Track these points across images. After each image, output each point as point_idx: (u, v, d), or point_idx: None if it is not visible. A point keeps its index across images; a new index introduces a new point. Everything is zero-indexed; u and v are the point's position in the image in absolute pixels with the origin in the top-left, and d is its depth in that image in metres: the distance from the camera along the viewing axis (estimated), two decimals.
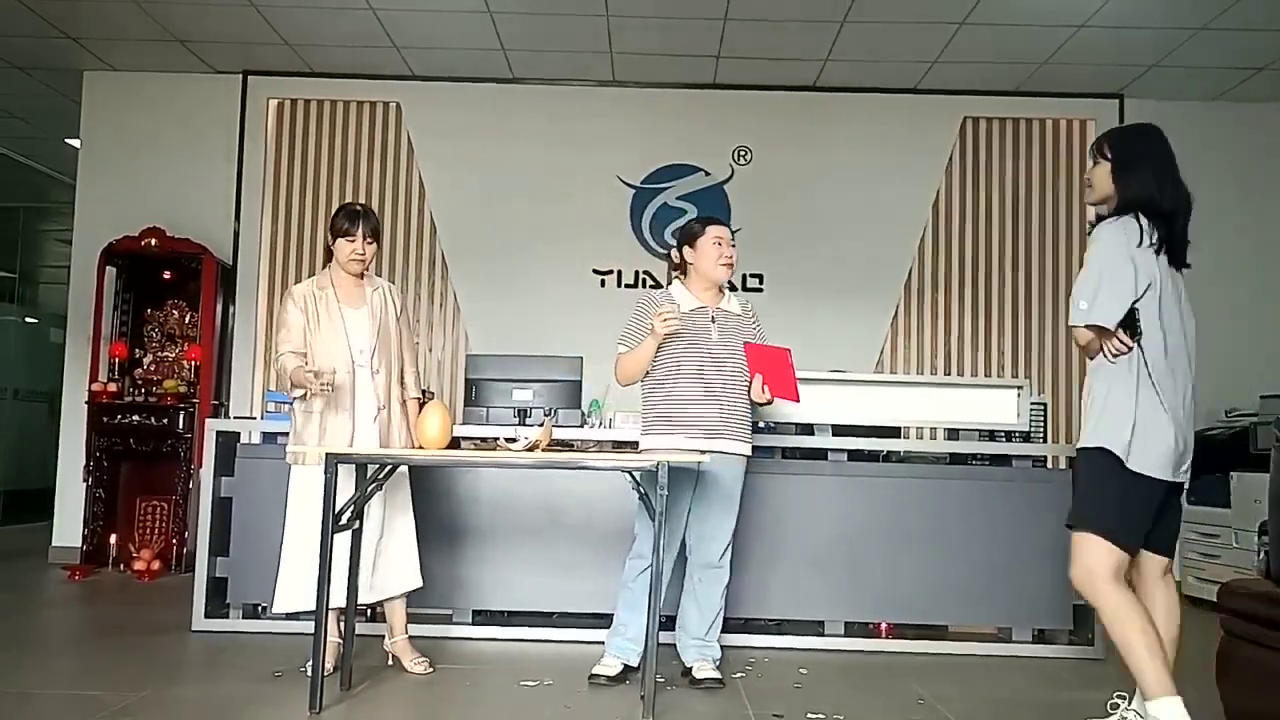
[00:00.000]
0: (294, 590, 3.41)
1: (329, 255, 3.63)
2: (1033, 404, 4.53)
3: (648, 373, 3.56)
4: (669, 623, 3.62)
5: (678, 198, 6.34)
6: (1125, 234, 2.77)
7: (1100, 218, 2.89)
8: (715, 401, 3.48)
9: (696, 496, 3.55)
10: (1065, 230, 6.29)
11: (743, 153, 6.34)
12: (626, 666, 3.55)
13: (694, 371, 3.49)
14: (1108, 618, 2.77)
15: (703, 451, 3.34)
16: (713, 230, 3.59)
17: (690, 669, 3.55)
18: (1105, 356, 2.77)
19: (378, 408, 3.54)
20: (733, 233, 3.71)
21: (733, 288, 6.15)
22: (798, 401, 3.52)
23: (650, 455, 3.30)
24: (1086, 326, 2.73)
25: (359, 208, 3.63)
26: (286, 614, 3.59)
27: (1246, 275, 6.23)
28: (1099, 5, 5.11)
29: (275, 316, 3.63)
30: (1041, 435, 4.72)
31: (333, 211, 3.72)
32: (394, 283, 6.20)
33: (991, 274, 6.28)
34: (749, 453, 3.61)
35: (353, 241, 3.54)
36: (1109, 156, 2.92)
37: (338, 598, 3.32)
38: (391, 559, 3.58)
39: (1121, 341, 2.72)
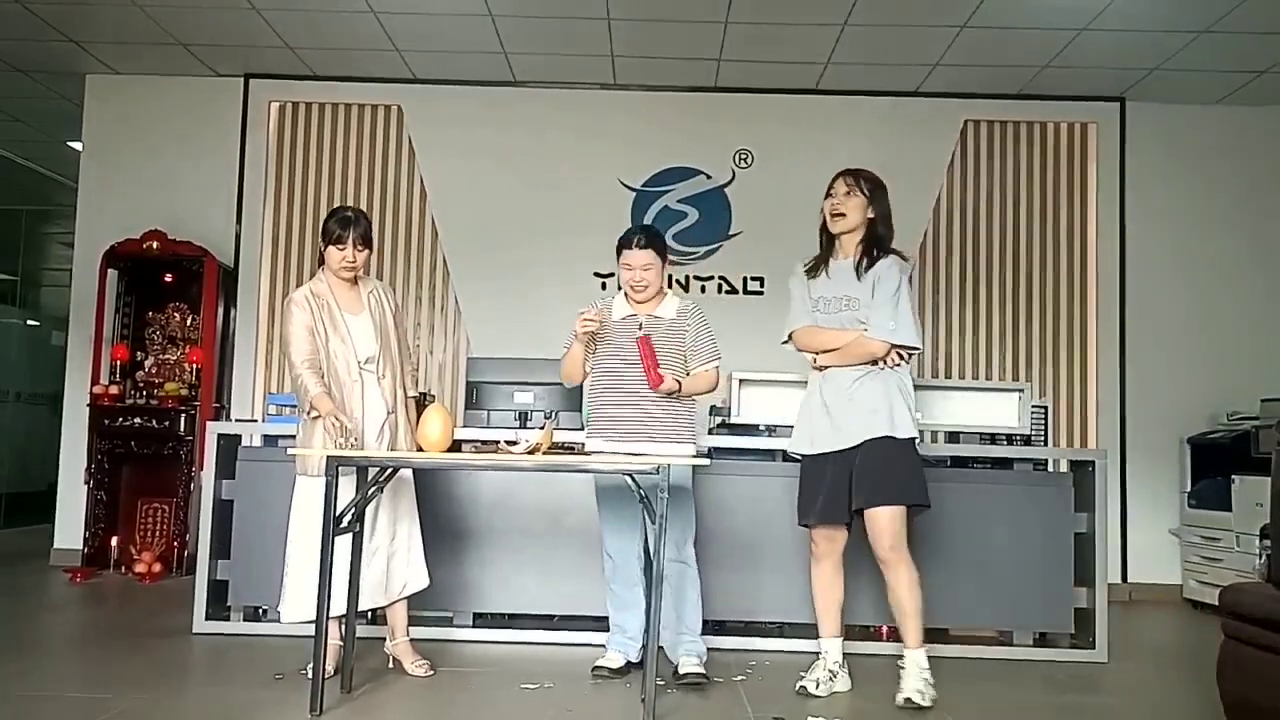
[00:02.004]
0: (302, 600, 3.37)
1: (322, 259, 3.58)
2: (1034, 407, 4.53)
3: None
4: None
5: (679, 200, 6.34)
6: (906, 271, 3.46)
7: (882, 250, 3.45)
8: (636, 404, 3.56)
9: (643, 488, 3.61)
10: (1066, 233, 6.28)
11: (744, 156, 6.35)
12: (629, 662, 3.62)
13: (615, 377, 3.61)
14: (912, 580, 3.40)
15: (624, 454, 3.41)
16: (622, 255, 3.67)
17: (676, 666, 3.59)
18: (887, 364, 3.39)
19: (386, 412, 3.53)
20: (656, 246, 3.67)
21: (733, 290, 6.23)
22: (652, 387, 3.49)
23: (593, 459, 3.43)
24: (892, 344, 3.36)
25: (349, 213, 3.56)
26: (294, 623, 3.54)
27: (1248, 278, 6.23)
28: (1101, 8, 5.10)
29: (280, 325, 3.58)
30: (1043, 438, 4.72)
31: (326, 219, 3.62)
32: (395, 286, 6.26)
33: (992, 277, 6.28)
34: (685, 453, 3.59)
35: (343, 249, 3.48)
36: (865, 192, 3.48)
37: (343, 604, 3.32)
38: (400, 560, 3.57)
39: (901, 355, 3.40)
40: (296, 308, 3.49)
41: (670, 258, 6.10)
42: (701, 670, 3.55)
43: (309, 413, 3.43)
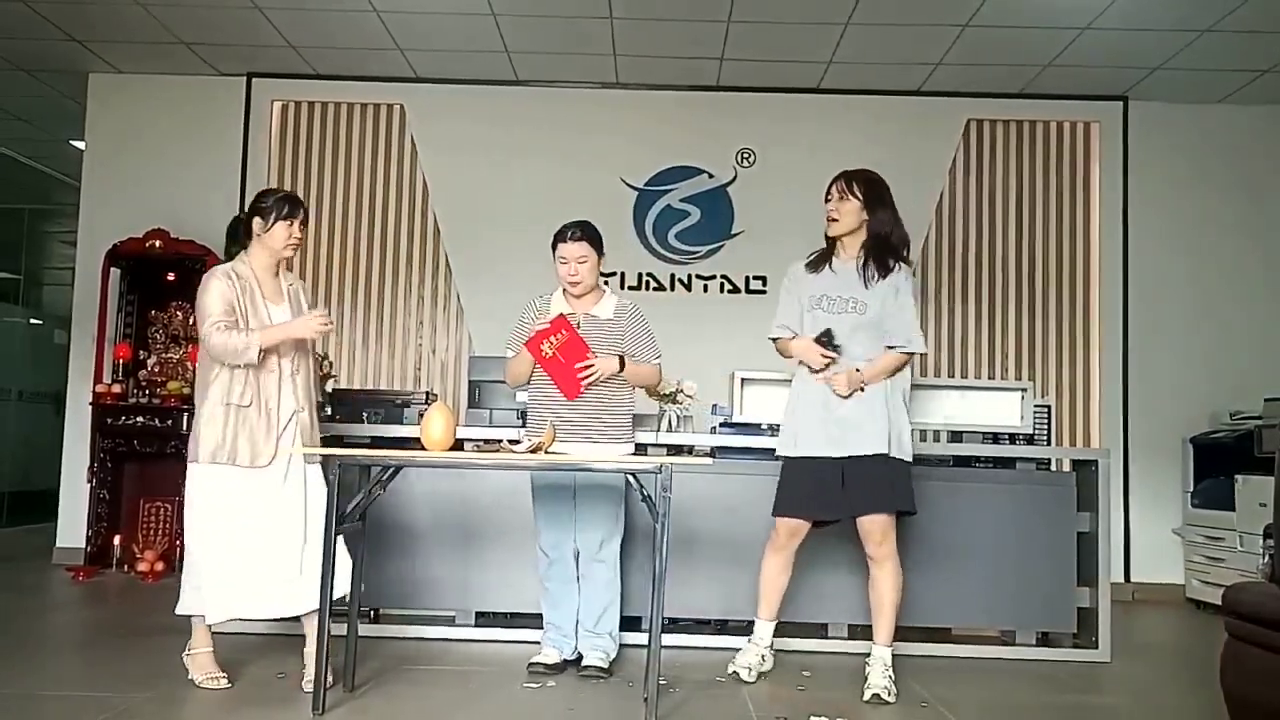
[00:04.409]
0: (228, 597, 3.29)
1: (242, 242, 3.44)
2: (1036, 406, 4.53)
3: None
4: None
5: (681, 200, 6.34)
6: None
7: (889, 255, 3.51)
8: (575, 405, 3.57)
9: (575, 487, 3.68)
10: (1069, 233, 6.28)
11: (746, 155, 6.34)
12: (565, 659, 3.69)
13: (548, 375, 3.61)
14: (897, 576, 3.52)
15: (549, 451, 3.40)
16: (558, 249, 3.69)
17: (581, 656, 3.66)
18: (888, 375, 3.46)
19: (295, 409, 3.40)
20: (591, 240, 3.71)
21: (735, 290, 6.23)
22: (568, 398, 3.54)
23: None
24: (906, 353, 3.46)
25: (292, 192, 3.53)
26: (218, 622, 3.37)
27: (1251, 277, 6.23)
28: (1103, 7, 5.10)
29: (199, 296, 3.34)
30: (1045, 438, 4.72)
31: (261, 198, 3.45)
32: (397, 284, 6.29)
33: (995, 276, 6.28)
34: (625, 452, 3.64)
35: (291, 225, 3.40)
36: (859, 195, 3.50)
37: (257, 608, 3.30)
38: (311, 570, 3.32)
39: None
40: (216, 280, 3.34)
41: (673, 257, 6.24)
42: (604, 665, 3.60)
43: (242, 357, 3.24)
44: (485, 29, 5.58)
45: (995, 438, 4.37)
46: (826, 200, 3.58)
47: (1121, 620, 4.49)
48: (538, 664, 3.64)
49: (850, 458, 3.43)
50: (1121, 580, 5.87)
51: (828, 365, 3.44)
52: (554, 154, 6.30)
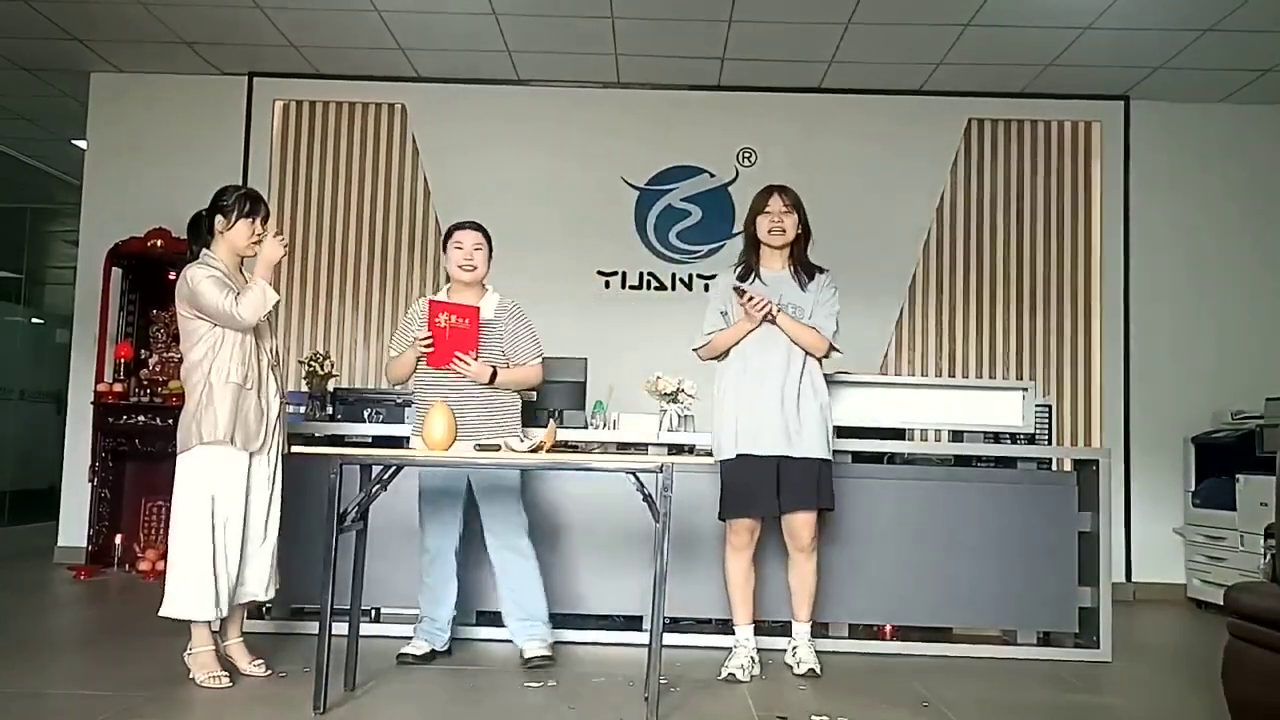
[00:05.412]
0: (198, 595, 3.33)
1: (203, 241, 3.43)
2: (1038, 406, 4.52)
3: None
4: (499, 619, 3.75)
5: (682, 199, 6.34)
6: None
7: (810, 262, 3.77)
8: (464, 402, 3.64)
9: (475, 489, 3.77)
10: (1070, 232, 6.27)
11: (747, 154, 6.34)
12: (434, 650, 3.77)
13: (435, 374, 3.69)
14: (815, 565, 3.70)
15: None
16: (455, 235, 3.78)
17: (521, 651, 3.71)
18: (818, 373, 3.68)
19: (280, 403, 3.50)
20: (486, 234, 3.82)
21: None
22: (440, 366, 3.65)
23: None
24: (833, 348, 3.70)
25: (252, 189, 3.54)
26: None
27: (1253, 276, 6.22)
28: (1105, 6, 5.10)
29: (193, 290, 3.32)
30: (1046, 437, 4.72)
31: (222, 196, 3.44)
32: (398, 284, 6.29)
33: (996, 276, 6.27)
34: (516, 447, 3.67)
35: (253, 224, 3.41)
36: (796, 209, 3.73)
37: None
38: (265, 563, 3.49)
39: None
40: (202, 270, 3.33)
41: (674, 256, 6.24)
42: (547, 653, 3.67)
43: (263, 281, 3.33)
44: (486, 28, 5.58)
45: (996, 437, 4.37)
46: (765, 210, 3.71)
47: (1123, 620, 4.48)
48: (406, 654, 3.73)
49: (796, 458, 3.57)
50: (1123, 580, 5.86)
51: (765, 305, 3.56)
52: (555, 153, 6.30)
